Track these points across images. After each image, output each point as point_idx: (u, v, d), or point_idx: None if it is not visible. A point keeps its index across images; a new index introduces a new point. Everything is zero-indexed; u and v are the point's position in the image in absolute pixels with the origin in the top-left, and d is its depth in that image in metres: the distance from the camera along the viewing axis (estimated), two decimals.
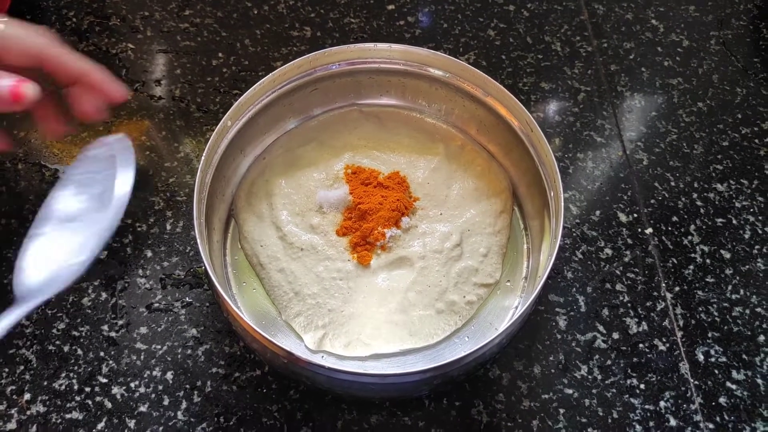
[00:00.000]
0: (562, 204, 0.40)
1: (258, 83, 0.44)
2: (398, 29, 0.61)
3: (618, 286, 0.48)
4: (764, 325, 0.47)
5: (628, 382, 0.44)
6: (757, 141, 0.56)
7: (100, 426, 0.41)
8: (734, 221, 0.52)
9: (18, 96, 0.37)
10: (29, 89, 0.37)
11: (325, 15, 0.61)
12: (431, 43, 0.60)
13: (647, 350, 0.46)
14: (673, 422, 0.43)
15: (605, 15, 0.63)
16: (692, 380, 0.45)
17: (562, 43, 0.61)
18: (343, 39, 0.60)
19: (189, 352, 0.44)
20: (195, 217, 0.39)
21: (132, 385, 0.42)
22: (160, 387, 0.42)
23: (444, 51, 0.59)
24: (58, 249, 0.38)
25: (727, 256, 0.50)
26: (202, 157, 0.41)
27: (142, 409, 0.42)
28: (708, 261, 0.50)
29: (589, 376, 0.44)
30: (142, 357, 0.43)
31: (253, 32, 0.60)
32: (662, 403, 0.44)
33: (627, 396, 0.44)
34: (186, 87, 0.56)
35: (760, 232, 0.51)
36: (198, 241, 0.38)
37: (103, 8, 0.61)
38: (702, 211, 0.52)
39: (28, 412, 0.41)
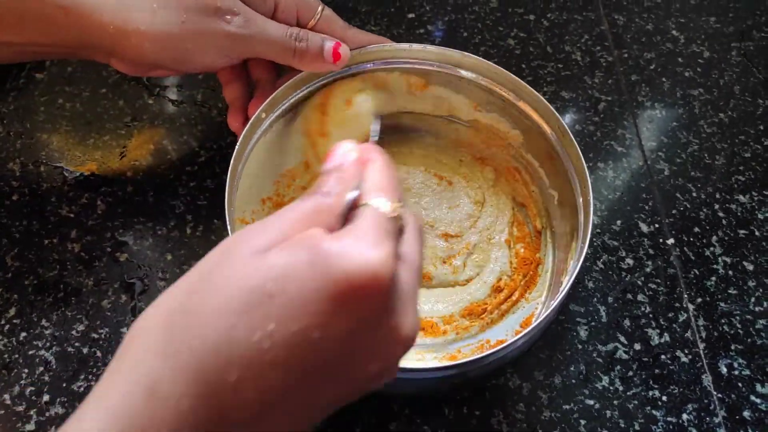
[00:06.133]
0: (591, 206, 0.40)
1: (292, 79, 0.45)
2: (418, 37, 0.61)
3: (639, 297, 0.48)
4: None
5: (650, 393, 0.44)
6: None
7: None
8: (757, 233, 0.51)
9: (337, 55, 0.43)
10: (345, 50, 0.43)
11: (347, 22, 0.61)
12: None
13: (669, 362, 0.45)
14: None
15: (625, 25, 0.63)
16: (715, 393, 0.44)
17: (583, 52, 0.61)
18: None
19: None
20: (226, 206, 0.40)
21: None
22: None
23: None
24: None
25: (750, 267, 0.50)
26: (236, 146, 0.42)
27: None
28: (730, 272, 0.49)
29: (611, 387, 0.44)
30: None
31: None
32: (685, 416, 0.43)
33: (649, 408, 0.43)
34: (208, 92, 0.56)
35: None
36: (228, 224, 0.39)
37: None
38: (724, 222, 0.52)
39: (47, 414, 0.41)
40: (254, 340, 0.21)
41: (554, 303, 0.37)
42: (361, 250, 0.22)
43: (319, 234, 0.23)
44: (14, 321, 0.44)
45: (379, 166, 0.27)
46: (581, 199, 0.41)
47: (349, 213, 0.26)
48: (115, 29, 0.40)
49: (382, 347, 0.24)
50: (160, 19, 0.39)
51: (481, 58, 0.46)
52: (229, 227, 0.38)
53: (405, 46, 0.47)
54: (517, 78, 0.45)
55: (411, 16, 0.62)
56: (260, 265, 0.22)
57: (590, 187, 0.41)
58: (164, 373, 0.22)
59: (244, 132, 0.42)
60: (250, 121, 0.43)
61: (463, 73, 0.47)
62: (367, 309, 0.22)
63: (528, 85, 0.45)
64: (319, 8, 0.44)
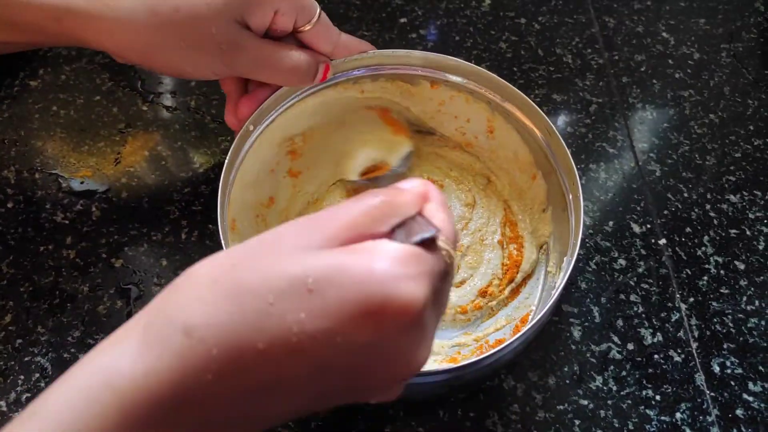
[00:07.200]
0: (581, 204, 0.40)
1: (280, 89, 0.45)
2: (410, 42, 0.61)
3: (632, 297, 0.48)
4: None
5: (644, 393, 0.44)
6: None
7: None
8: (748, 232, 0.52)
9: (325, 76, 0.44)
10: (331, 70, 0.45)
11: (339, 28, 0.61)
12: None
13: (662, 361, 0.45)
14: None
15: (616, 28, 0.64)
16: (708, 392, 0.44)
17: (574, 55, 0.61)
18: None
19: None
20: (219, 217, 0.40)
21: None
22: None
23: None
24: None
25: (741, 267, 0.50)
26: (226, 159, 0.42)
27: None
28: (722, 272, 0.50)
29: (605, 387, 0.44)
30: None
31: None
32: (678, 415, 0.43)
33: (642, 407, 0.44)
34: (201, 98, 0.57)
35: None
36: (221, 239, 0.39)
37: None
38: (715, 222, 0.52)
39: None
40: (286, 320, 0.23)
41: (547, 306, 0.37)
42: (406, 281, 0.23)
43: (372, 248, 0.24)
44: (10, 328, 0.45)
45: (440, 203, 0.28)
46: (572, 203, 0.42)
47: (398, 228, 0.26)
48: (113, 43, 0.40)
49: (390, 369, 0.25)
50: (159, 40, 0.39)
51: (468, 62, 0.46)
52: (222, 238, 0.39)
53: (388, 52, 0.47)
54: (505, 81, 0.46)
55: (403, 20, 0.63)
56: (307, 260, 0.24)
57: (580, 187, 0.41)
58: (206, 321, 0.23)
59: (232, 147, 0.42)
60: (238, 135, 0.43)
61: (451, 77, 0.47)
62: (391, 333, 0.23)
63: (516, 88, 0.45)
64: (317, 13, 0.44)
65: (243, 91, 0.46)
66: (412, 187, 0.28)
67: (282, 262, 0.24)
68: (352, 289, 0.23)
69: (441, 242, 0.26)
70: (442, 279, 0.26)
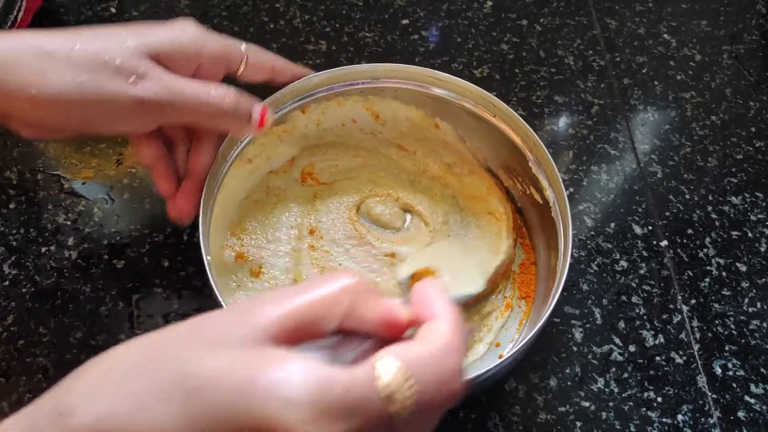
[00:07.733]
0: (569, 215, 0.40)
1: (223, 144, 0.43)
2: (412, 43, 0.61)
3: (634, 299, 0.48)
4: None
5: (645, 395, 0.44)
6: None
7: None
8: (750, 234, 0.52)
9: (263, 122, 0.39)
10: (271, 115, 0.40)
11: (340, 29, 0.62)
12: (445, 57, 0.61)
13: (664, 363, 0.45)
14: None
15: (618, 29, 0.64)
16: (710, 394, 0.44)
17: (575, 57, 0.61)
18: (358, 53, 0.60)
19: None
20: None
21: None
22: None
23: (458, 65, 0.60)
24: None
25: (743, 269, 0.50)
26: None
27: None
28: (724, 274, 0.50)
29: (606, 389, 0.44)
30: None
31: (270, 46, 0.60)
32: (680, 417, 0.43)
33: (644, 409, 0.44)
34: None
35: None
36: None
37: (122, 22, 0.62)
38: (717, 224, 0.52)
39: None
40: (152, 420, 0.21)
41: (548, 311, 0.37)
42: (298, 409, 0.19)
43: (281, 357, 0.21)
44: (12, 328, 0.45)
45: (443, 332, 0.24)
46: (561, 223, 0.41)
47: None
48: (3, 95, 0.34)
49: None
50: (52, 81, 0.33)
51: (453, 76, 0.46)
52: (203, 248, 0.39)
53: (358, 67, 0.46)
54: (486, 92, 0.45)
55: (405, 22, 0.63)
56: (204, 358, 0.21)
57: (566, 201, 0.41)
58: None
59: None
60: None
61: (437, 91, 0.47)
62: None
63: (499, 100, 0.45)
64: (243, 47, 0.41)
65: (168, 156, 0.41)
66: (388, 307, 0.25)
67: (181, 358, 0.22)
68: (226, 398, 0.20)
69: (386, 381, 0.21)
70: (373, 427, 0.21)
